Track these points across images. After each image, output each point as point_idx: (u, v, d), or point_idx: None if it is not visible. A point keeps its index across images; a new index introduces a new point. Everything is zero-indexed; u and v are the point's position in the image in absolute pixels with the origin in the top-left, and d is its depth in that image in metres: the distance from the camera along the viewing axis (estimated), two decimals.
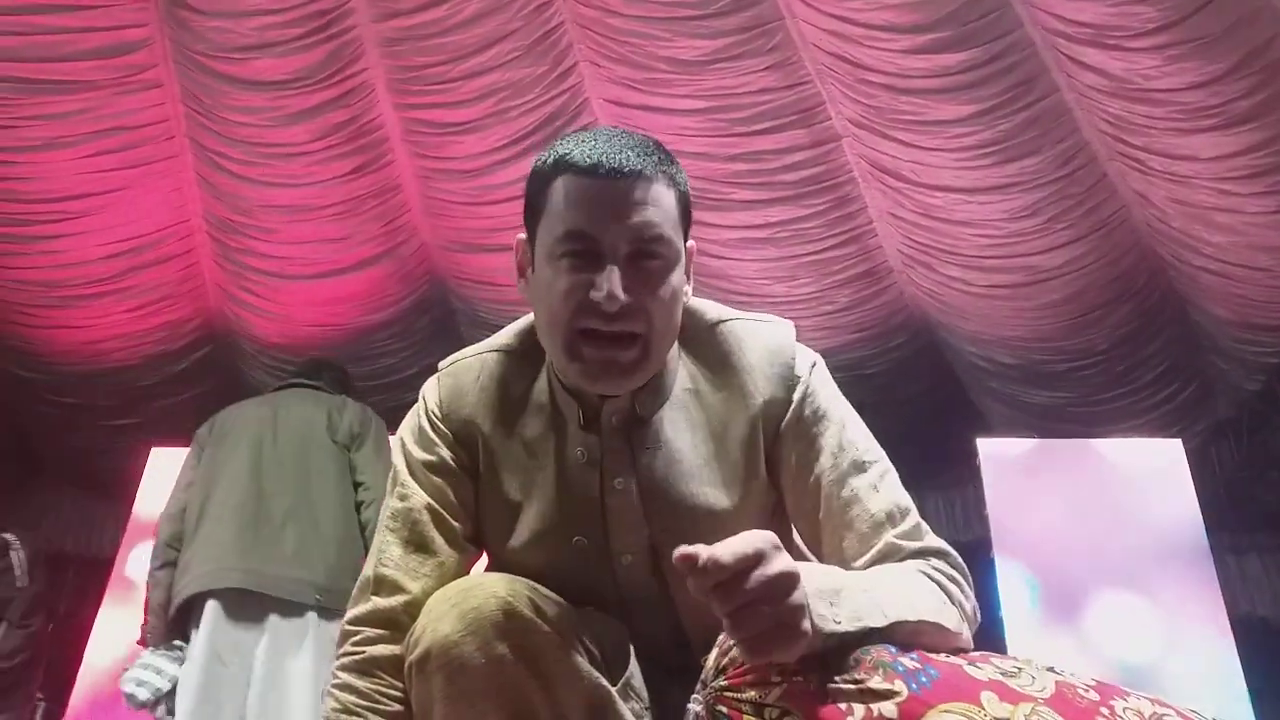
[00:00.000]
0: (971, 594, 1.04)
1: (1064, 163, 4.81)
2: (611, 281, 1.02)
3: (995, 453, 5.50)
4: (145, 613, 2.85)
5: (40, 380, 6.43)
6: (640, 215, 1.05)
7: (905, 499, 1.11)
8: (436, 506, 1.16)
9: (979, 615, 1.04)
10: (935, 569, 1.03)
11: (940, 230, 5.25)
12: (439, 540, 1.15)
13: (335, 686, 1.09)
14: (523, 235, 1.16)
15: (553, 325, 1.08)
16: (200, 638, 2.63)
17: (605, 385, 1.09)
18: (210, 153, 5.61)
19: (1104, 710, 0.83)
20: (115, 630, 5.39)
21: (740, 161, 5.27)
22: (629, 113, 5.28)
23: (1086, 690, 0.85)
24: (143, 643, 2.85)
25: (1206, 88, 4.10)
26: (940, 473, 6.03)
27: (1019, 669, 0.86)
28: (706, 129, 5.20)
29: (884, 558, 1.05)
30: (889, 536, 1.06)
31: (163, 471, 5.94)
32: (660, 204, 1.07)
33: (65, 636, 5.82)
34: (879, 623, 0.87)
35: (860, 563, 1.06)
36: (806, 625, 0.80)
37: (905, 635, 0.89)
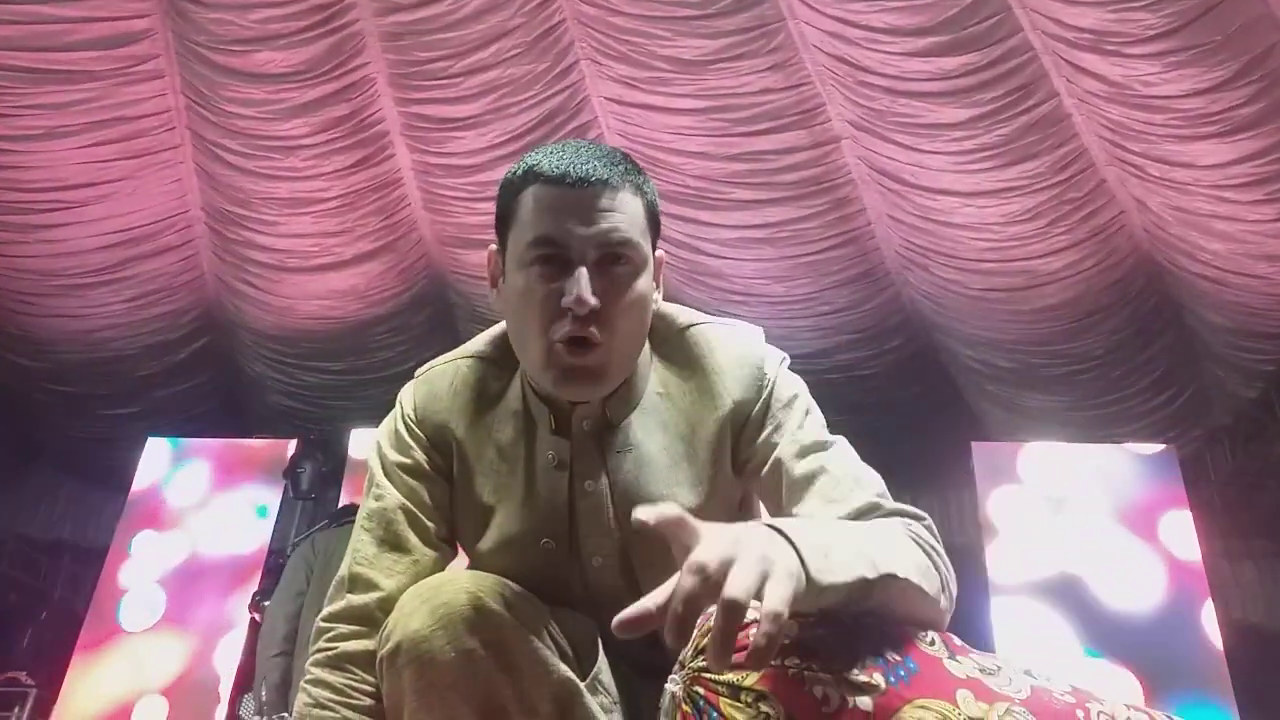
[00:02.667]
0: (948, 567, 1.01)
1: (1063, 168, 4.81)
2: (580, 285, 1.04)
3: (990, 456, 5.51)
4: (260, 688, 3.47)
5: (39, 368, 6.44)
6: (607, 221, 1.07)
7: (872, 472, 1.11)
8: (411, 507, 1.18)
9: (954, 594, 1.01)
10: (916, 534, 1.00)
11: (938, 233, 5.25)
12: (413, 539, 1.16)
13: (308, 682, 1.10)
14: (494, 246, 1.18)
15: (525, 334, 1.10)
16: None
17: (574, 390, 1.10)
18: (210, 144, 5.61)
19: (1079, 713, 0.83)
20: (107, 618, 5.40)
21: (740, 161, 5.28)
22: (629, 111, 5.29)
23: (1063, 694, 0.85)
24: (260, 713, 3.45)
25: (1206, 95, 4.10)
26: (935, 476, 6.04)
27: (998, 667, 0.86)
28: (706, 128, 5.21)
29: (860, 516, 1.04)
30: (864, 495, 1.06)
31: (158, 461, 5.96)
32: (626, 210, 1.09)
33: (58, 624, 5.84)
34: (869, 574, 0.84)
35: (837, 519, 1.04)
36: (798, 575, 0.75)
37: (893, 593, 0.88)
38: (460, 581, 1.03)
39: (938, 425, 6.04)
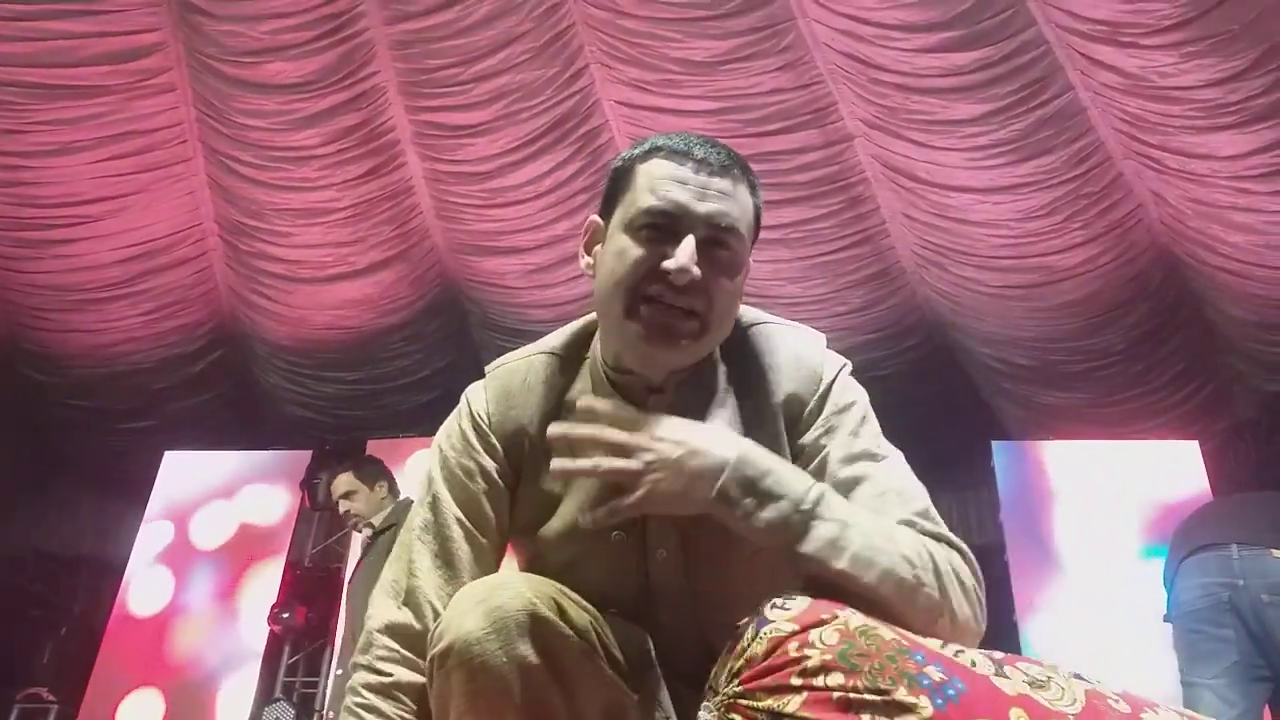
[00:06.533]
0: (978, 597, 1.00)
1: (1079, 162, 4.76)
2: (686, 254, 1.05)
3: (1010, 455, 5.47)
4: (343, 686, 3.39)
5: (55, 383, 6.45)
6: (722, 204, 1.09)
7: (920, 487, 1.10)
8: (465, 521, 1.18)
9: (984, 623, 1.00)
10: (940, 554, 0.99)
11: (954, 230, 5.21)
12: (464, 557, 1.17)
13: (359, 705, 1.09)
14: (595, 217, 1.19)
15: (616, 287, 1.09)
16: None
17: (657, 349, 1.09)
18: (222, 156, 5.61)
19: None
20: (128, 634, 5.41)
21: (752, 162, 5.01)
22: (640, 114, 5.26)
23: (1116, 701, 0.82)
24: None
25: (1224, 85, 4.05)
26: (954, 476, 5.97)
27: (1047, 678, 0.83)
28: (718, 130, 5.16)
29: None
30: (901, 511, 1.04)
31: (176, 475, 5.96)
32: (740, 201, 1.12)
33: (79, 639, 5.84)
34: (808, 548, 0.95)
35: None
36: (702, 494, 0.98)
37: (854, 589, 0.92)
38: (516, 585, 1.00)
39: (956, 424, 5.98)
